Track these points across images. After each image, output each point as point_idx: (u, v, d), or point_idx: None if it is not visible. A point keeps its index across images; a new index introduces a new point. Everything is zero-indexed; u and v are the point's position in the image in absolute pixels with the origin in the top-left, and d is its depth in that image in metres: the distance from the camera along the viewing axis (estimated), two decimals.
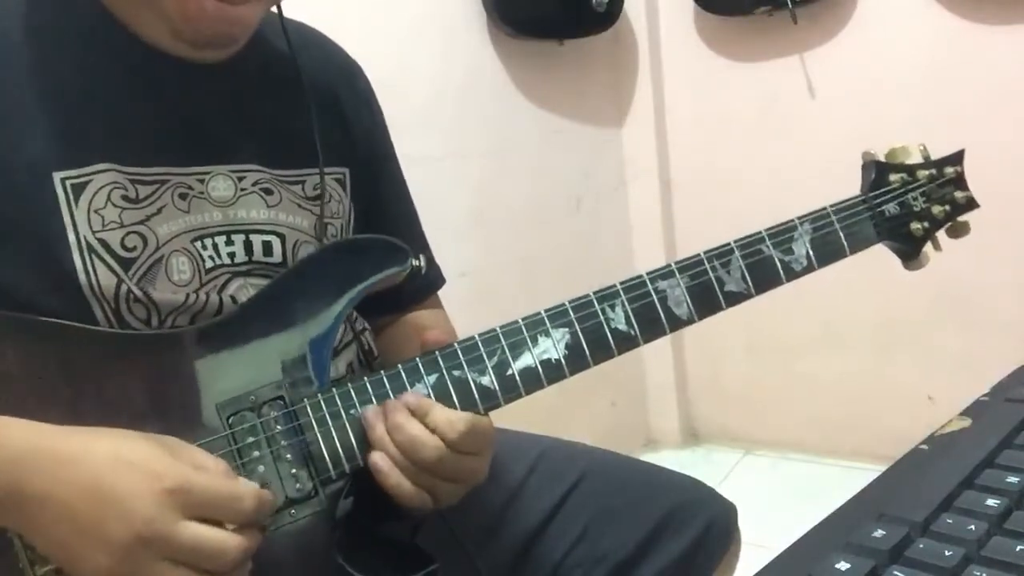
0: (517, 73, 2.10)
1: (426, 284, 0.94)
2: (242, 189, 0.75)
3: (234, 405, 0.67)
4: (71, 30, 0.70)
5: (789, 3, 2.02)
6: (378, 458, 0.68)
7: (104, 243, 0.67)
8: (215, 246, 0.73)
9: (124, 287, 0.68)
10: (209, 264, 0.72)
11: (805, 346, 2.30)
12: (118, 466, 0.58)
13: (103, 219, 0.68)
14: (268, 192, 0.76)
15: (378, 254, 0.75)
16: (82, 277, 0.66)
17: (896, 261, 0.88)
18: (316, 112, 0.80)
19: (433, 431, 0.68)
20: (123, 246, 0.68)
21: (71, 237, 0.66)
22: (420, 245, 0.94)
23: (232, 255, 0.73)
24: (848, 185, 0.86)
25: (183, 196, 0.72)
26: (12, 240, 0.65)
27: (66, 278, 0.66)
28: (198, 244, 0.72)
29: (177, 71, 0.73)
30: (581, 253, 2.26)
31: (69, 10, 0.70)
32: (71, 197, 0.67)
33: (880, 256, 0.87)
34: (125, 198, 0.69)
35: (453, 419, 0.69)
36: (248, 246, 0.74)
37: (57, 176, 0.66)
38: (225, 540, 0.59)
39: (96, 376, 0.65)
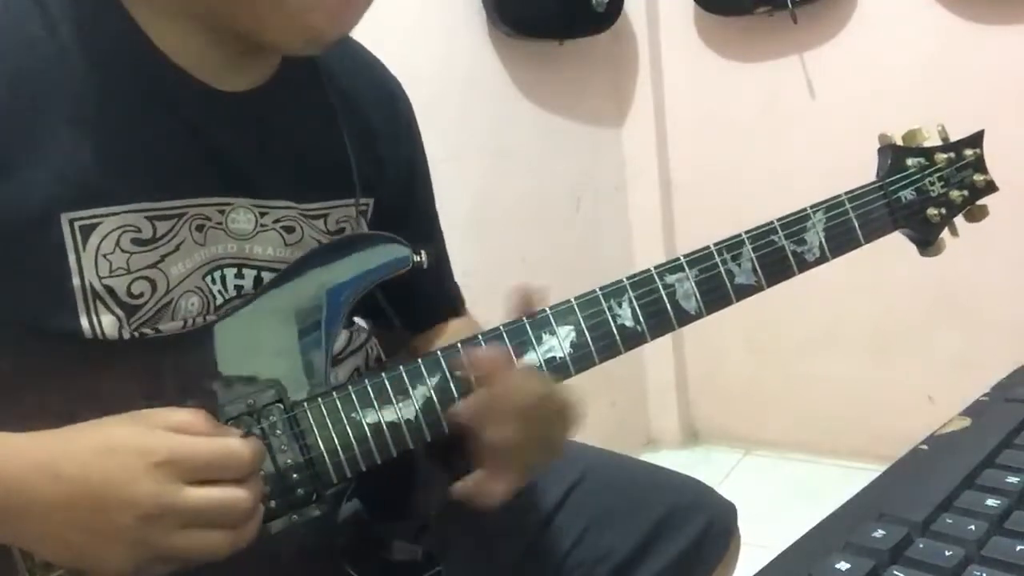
0: (517, 73, 2.10)
1: (454, 302, 0.95)
2: (262, 225, 0.73)
3: (233, 409, 0.66)
4: (93, 53, 0.66)
5: (789, 3, 2.02)
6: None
7: (110, 289, 0.65)
8: (223, 279, 0.71)
9: (126, 332, 0.66)
10: (219, 300, 0.70)
11: (805, 346, 2.30)
12: (102, 456, 0.57)
13: (110, 264, 0.65)
14: (289, 230, 0.74)
15: (382, 248, 0.74)
16: (84, 324, 0.64)
17: (896, 260, 0.87)
18: (350, 141, 0.77)
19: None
20: (129, 293, 0.66)
21: (76, 282, 0.64)
22: (445, 272, 0.94)
23: (240, 288, 0.72)
24: (849, 184, 0.85)
25: (200, 228, 0.69)
26: (15, 281, 0.63)
27: (68, 323, 0.64)
28: (208, 279, 0.70)
29: (203, 99, 0.69)
30: (581, 253, 2.26)
31: (93, 29, 0.66)
32: (79, 239, 0.64)
33: (881, 255, 0.87)
34: (136, 241, 0.66)
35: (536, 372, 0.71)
36: (259, 282, 0.73)
37: (65, 217, 0.63)
38: (234, 493, 0.59)
39: (102, 372, 0.65)
